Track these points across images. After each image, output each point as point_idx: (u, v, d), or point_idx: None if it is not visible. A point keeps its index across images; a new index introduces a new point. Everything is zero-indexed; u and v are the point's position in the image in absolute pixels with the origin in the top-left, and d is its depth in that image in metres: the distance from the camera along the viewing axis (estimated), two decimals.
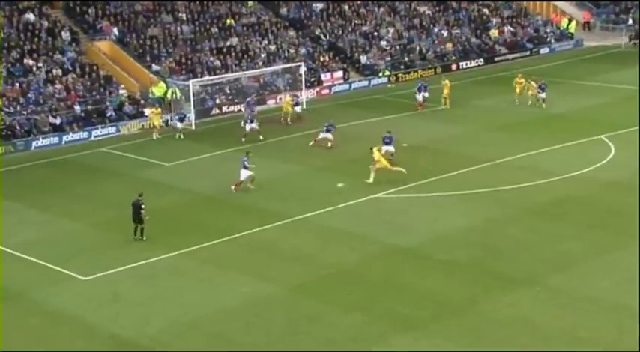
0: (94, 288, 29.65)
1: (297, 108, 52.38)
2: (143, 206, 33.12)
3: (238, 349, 25.31)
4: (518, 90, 53.74)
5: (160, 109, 50.87)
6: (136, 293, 29.30)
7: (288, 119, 51.31)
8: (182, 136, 49.05)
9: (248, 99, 53.20)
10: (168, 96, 54.72)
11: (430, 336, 25.61)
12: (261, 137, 47.45)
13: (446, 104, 53.94)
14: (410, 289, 28.88)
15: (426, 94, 53.85)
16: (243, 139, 47.21)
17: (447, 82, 54.63)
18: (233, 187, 38.87)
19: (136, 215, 33.15)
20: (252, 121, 47.97)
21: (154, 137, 49.04)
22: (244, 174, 38.90)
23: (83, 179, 42.10)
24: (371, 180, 39.04)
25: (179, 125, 49.95)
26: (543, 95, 52.25)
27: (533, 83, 53.46)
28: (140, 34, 59.99)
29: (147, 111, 51.74)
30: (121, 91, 54.30)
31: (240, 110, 54.07)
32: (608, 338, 25.20)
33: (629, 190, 37.79)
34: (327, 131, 45.82)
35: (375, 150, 39.42)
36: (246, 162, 38.86)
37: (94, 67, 55.42)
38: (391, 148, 41.97)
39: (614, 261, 30.58)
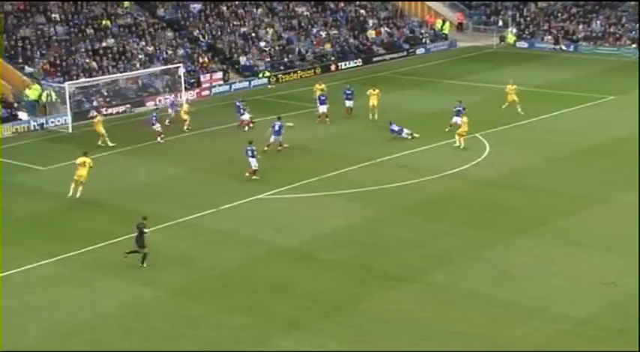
0: None
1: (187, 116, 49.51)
2: (146, 230, 30.66)
3: None
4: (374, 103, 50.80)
5: (101, 117, 48.52)
6: (11, 302, 28.30)
7: (185, 126, 49.04)
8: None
9: (172, 99, 53.40)
10: (43, 98, 53.37)
11: (313, 335, 25.70)
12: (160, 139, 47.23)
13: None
14: (293, 289, 28.92)
15: (351, 103, 51.34)
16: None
17: (320, 85, 54.05)
18: (247, 174, 39.75)
19: (139, 239, 30.61)
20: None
21: (100, 143, 46.34)
22: (253, 162, 39.67)
23: None
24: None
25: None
26: (458, 120, 46.26)
27: (374, 91, 51.07)
28: (11, 34, 58.24)
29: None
30: None
31: (119, 112, 53.40)
32: (485, 331, 25.79)
33: (504, 187, 38.89)
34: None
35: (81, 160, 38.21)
36: (250, 151, 39.73)
37: None
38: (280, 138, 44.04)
39: (490, 256, 31.33)
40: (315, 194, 38.43)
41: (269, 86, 62.39)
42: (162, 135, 47.31)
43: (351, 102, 51.68)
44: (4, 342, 25.59)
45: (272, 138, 44.03)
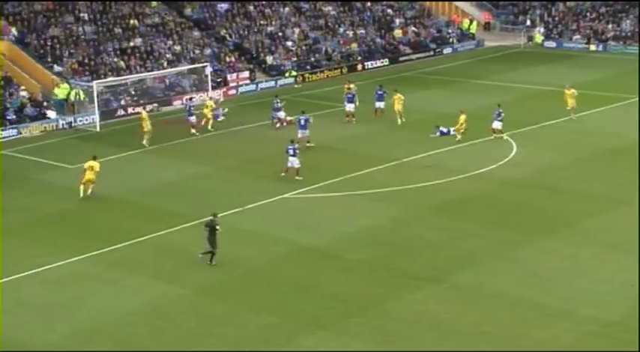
0: None
1: (219, 118, 49.83)
2: (218, 227, 30.46)
3: None
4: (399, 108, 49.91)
5: (147, 113, 48.40)
6: (39, 299, 28.56)
7: (209, 125, 49.05)
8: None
9: (219, 112, 51.16)
10: (72, 97, 53.73)
11: (338, 335, 25.68)
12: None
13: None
14: (318, 289, 28.91)
15: (382, 104, 50.84)
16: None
17: (349, 85, 53.78)
18: (282, 173, 39.81)
19: (211, 237, 30.38)
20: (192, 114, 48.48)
21: (145, 144, 46.15)
22: (293, 161, 39.52)
23: None
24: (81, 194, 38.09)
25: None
26: (498, 124, 46.05)
27: (396, 95, 50.03)
28: (40, 34, 58.71)
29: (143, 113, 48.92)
30: (22, 93, 53.04)
31: (151, 110, 53.83)
32: (512, 332, 25.67)
33: (531, 187, 38.66)
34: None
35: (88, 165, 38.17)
36: (291, 150, 39.62)
37: None
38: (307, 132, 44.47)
39: (517, 256, 31.17)
40: (340, 194, 38.39)
41: (295, 85, 62.40)
42: (196, 129, 47.54)
43: (382, 103, 51.29)
44: (32, 339, 25.82)
45: (299, 133, 44.16)
